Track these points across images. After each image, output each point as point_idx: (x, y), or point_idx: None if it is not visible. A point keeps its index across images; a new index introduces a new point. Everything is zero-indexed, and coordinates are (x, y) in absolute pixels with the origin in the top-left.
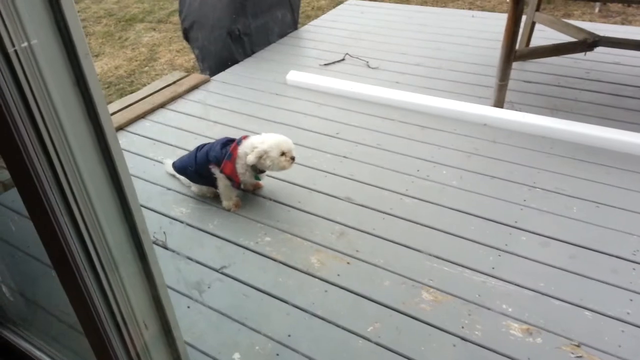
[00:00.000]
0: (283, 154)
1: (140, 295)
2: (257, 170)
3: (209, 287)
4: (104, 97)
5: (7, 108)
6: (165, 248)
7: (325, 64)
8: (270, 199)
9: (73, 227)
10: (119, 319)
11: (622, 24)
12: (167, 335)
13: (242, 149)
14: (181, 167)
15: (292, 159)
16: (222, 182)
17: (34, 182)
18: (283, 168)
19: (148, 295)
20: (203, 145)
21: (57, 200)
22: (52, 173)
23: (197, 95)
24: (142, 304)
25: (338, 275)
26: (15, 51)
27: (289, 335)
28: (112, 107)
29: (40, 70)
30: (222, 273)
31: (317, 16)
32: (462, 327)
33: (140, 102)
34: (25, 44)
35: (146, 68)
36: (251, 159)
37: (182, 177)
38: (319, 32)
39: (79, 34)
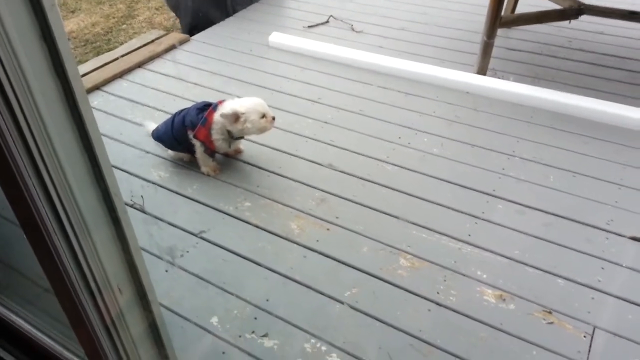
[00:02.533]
0: (263, 116)
1: (113, 260)
2: (232, 136)
3: (187, 252)
4: (71, 52)
5: None
6: (143, 212)
7: (308, 26)
8: (251, 164)
9: (42, 191)
10: (92, 284)
11: None
12: (142, 300)
13: (217, 114)
14: (158, 136)
15: (273, 118)
16: (198, 148)
17: None
18: (264, 129)
19: (122, 259)
20: (181, 111)
21: (25, 162)
22: (18, 133)
23: (176, 55)
24: (116, 269)
25: (317, 241)
26: None
27: (267, 300)
28: (88, 66)
29: (3, 25)
30: (201, 238)
31: None
32: (438, 293)
33: (117, 61)
34: None
35: (124, 26)
36: (224, 118)
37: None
38: None
39: None
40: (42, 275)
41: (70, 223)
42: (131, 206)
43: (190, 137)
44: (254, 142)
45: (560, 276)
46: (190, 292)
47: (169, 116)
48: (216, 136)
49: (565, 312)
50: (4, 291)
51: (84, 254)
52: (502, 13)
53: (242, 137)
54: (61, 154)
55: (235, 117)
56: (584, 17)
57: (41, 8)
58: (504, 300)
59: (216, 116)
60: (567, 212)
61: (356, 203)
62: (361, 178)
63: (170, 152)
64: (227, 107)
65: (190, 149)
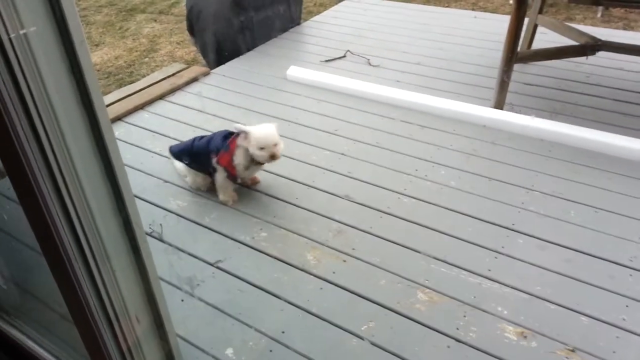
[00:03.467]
0: (262, 148)
1: (132, 289)
2: (254, 160)
3: (203, 281)
4: (98, 85)
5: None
6: (161, 241)
7: (326, 61)
8: (268, 195)
9: (65, 218)
10: (110, 312)
11: (624, 29)
12: (159, 329)
13: (238, 141)
14: (177, 152)
15: (272, 157)
16: (220, 174)
17: (25, 171)
18: (264, 160)
19: (140, 288)
20: (202, 137)
21: (49, 190)
22: (44, 162)
23: (196, 87)
24: (135, 298)
25: (334, 272)
26: (10, 39)
27: (283, 332)
28: (110, 98)
29: (34, 58)
30: (217, 267)
31: (319, 12)
32: (457, 329)
33: (138, 93)
34: (22, 31)
35: (146, 59)
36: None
37: (177, 166)
38: (321, 28)
39: (75, 20)
40: (60, 301)
41: (91, 250)
42: (149, 234)
43: (213, 163)
44: (271, 172)
45: (583, 314)
46: (205, 322)
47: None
48: (238, 161)
49: (589, 351)
50: (21, 316)
51: (104, 281)
52: (519, 49)
53: (261, 164)
54: (85, 182)
55: (245, 135)
56: (601, 53)
57: (71, 44)
58: (526, 337)
59: (238, 141)
60: (589, 248)
61: (373, 235)
62: (378, 210)
63: (188, 179)
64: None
65: (207, 169)
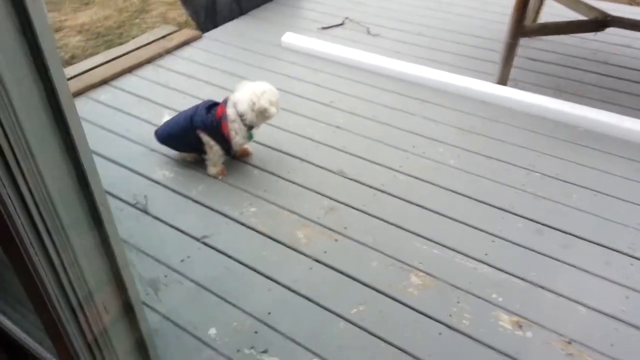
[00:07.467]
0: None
1: (98, 273)
2: (250, 127)
3: (188, 257)
4: (56, 50)
5: None
6: (146, 212)
7: (323, 28)
8: (259, 168)
9: (18, 200)
10: (73, 301)
11: (630, 4)
12: (129, 316)
13: (229, 109)
14: (163, 136)
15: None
16: (213, 146)
17: None
18: (267, 109)
19: (108, 274)
20: (185, 112)
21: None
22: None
23: (187, 52)
24: (101, 283)
25: (324, 252)
26: None
27: (269, 313)
28: (97, 60)
29: None
30: (204, 243)
31: None
32: (450, 315)
33: (127, 55)
34: None
35: (137, 20)
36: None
37: None
38: None
39: None
40: None
41: (48, 233)
42: (133, 205)
43: (202, 138)
44: (263, 144)
45: (581, 303)
46: (189, 300)
47: (176, 114)
48: (234, 127)
49: (586, 343)
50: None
51: (64, 266)
52: (525, 22)
53: (252, 127)
54: (40, 161)
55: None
56: (608, 29)
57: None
58: (521, 327)
59: (229, 111)
60: (587, 234)
61: (366, 213)
62: (373, 187)
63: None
64: (231, 102)
65: (197, 149)
